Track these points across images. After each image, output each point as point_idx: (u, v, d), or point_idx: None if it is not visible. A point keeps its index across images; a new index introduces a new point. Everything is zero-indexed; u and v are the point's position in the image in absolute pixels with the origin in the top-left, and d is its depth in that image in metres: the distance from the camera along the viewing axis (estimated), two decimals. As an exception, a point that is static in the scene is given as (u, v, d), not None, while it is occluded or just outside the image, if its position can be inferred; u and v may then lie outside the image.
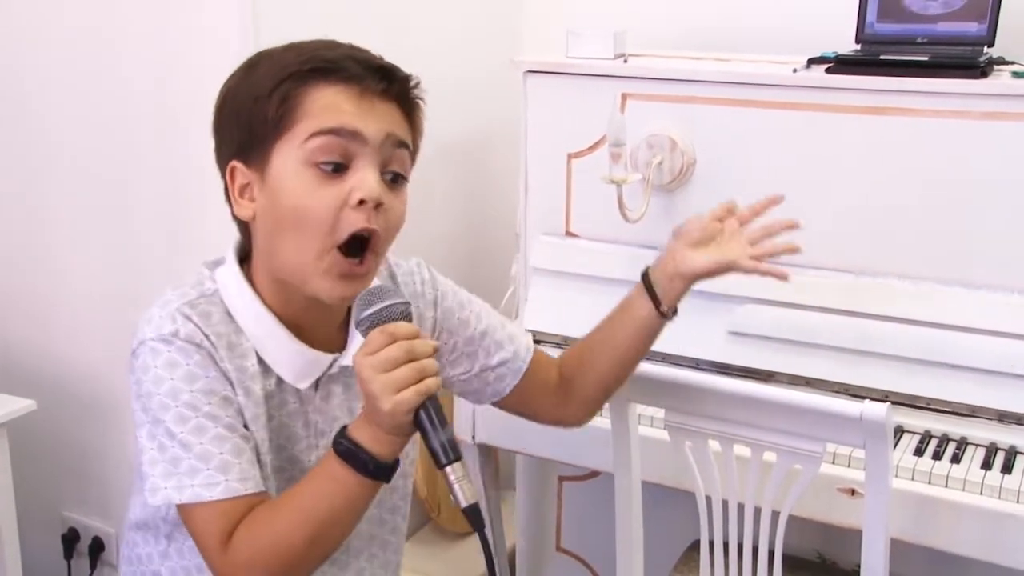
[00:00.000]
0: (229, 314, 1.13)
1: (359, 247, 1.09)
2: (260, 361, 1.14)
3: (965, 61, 1.68)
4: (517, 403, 1.39)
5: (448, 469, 1.02)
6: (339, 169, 1.08)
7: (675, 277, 1.32)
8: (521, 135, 2.02)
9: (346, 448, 1.04)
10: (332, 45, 1.12)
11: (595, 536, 2.18)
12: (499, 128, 2.34)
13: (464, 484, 1.03)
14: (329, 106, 1.07)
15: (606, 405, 1.45)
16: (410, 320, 1.06)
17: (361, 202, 1.07)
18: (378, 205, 1.08)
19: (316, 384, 1.18)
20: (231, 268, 1.16)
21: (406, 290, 1.28)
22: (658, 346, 1.84)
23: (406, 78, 1.13)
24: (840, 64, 1.77)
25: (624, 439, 1.52)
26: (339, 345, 1.19)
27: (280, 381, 1.16)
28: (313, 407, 1.19)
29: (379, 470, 1.04)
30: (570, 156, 1.98)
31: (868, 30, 1.80)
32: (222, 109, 1.14)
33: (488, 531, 1.14)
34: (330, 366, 1.18)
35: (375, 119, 1.09)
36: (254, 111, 1.09)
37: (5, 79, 2.12)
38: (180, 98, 1.91)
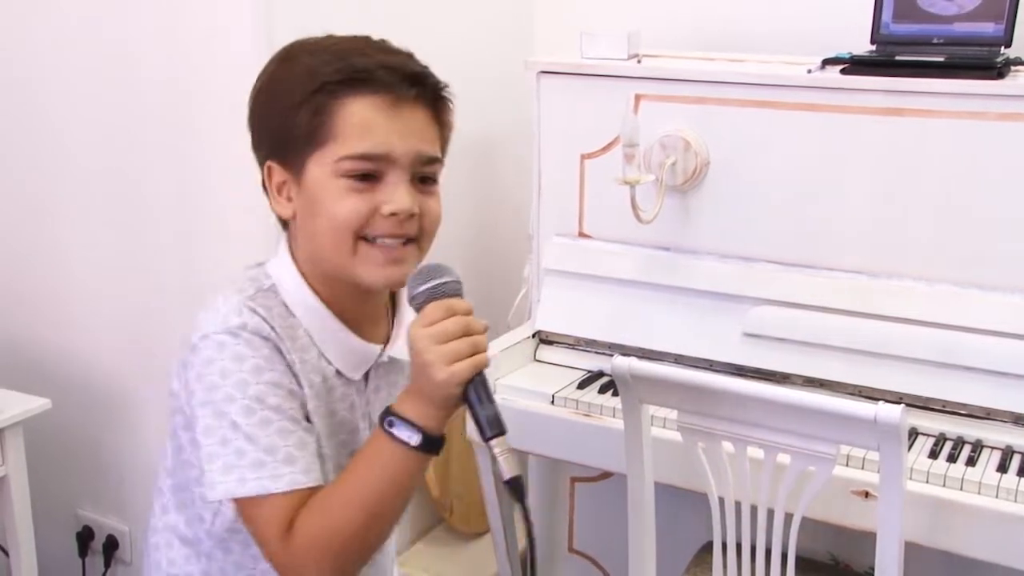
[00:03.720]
0: (287, 307, 1.15)
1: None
2: (320, 354, 1.16)
3: (981, 62, 1.68)
4: None
5: (493, 442, 1.07)
6: (370, 178, 1.10)
7: None
8: (534, 136, 2.01)
9: (393, 424, 1.06)
10: (365, 49, 1.13)
11: (608, 537, 2.18)
12: (512, 129, 2.34)
13: (508, 456, 1.07)
14: (360, 123, 1.09)
15: (617, 405, 1.44)
16: (462, 298, 1.09)
17: (392, 215, 1.10)
18: (411, 216, 1.11)
19: (366, 376, 1.21)
20: (284, 262, 1.17)
21: None
22: (672, 347, 1.86)
23: (436, 83, 1.14)
24: (855, 65, 1.76)
25: (637, 440, 1.52)
26: (383, 339, 1.22)
27: (338, 373, 1.17)
28: (365, 399, 1.21)
29: (428, 443, 1.07)
30: (583, 157, 1.98)
31: (883, 31, 1.80)
32: (256, 102, 1.16)
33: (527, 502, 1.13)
34: (379, 357, 1.21)
35: (405, 135, 1.11)
36: (286, 120, 1.10)
37: (17, 79, 2.13)
38: (193, 97, 1.91)
